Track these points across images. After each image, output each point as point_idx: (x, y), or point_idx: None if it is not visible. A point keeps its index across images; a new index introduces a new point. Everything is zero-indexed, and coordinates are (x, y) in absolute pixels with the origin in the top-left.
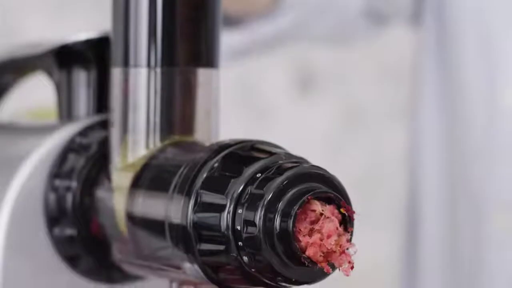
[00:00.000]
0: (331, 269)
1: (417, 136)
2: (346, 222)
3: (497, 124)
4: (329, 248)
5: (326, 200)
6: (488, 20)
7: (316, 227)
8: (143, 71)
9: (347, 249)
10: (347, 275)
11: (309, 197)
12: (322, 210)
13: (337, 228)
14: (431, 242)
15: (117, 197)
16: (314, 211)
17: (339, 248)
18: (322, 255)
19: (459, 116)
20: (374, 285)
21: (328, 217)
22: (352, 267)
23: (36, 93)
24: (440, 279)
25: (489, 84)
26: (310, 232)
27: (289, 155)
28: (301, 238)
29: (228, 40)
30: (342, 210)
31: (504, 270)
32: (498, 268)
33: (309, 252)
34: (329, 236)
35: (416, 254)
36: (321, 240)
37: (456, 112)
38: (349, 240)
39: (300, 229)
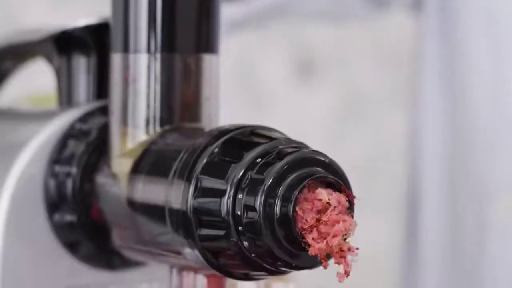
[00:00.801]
0: (328, 264)
1: (418, 123)
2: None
3: (501, 110)
4: (334, 244)
5: (326, 185)
6: (492, 5)
7: (324, 218)
8: (143, 57)
9: (348, 251)
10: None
11: (309, 182)
12: (329, 199)
13: (344, 221)
14: (432, 229)
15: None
16: (320, 200)
17: (340, 249)
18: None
19: (461, 103)
20: (374, 270)
21: (334, 208)
22: (347, 274)
23: (36, 79)
24: (441, 266)
25: (493, 69)
26: (317, 224)
27: (289, 140)
28: (306, 229)
29: (224, 12)
30: (342, 195)
31: (506, 256)
32: (500, 253)
33: (313, 251)
34: (335, 236)
35: (417, 241)
36: (327, 236)
37: (458, 99)
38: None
39: (306, 220)
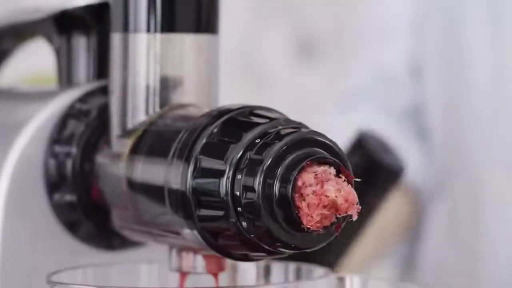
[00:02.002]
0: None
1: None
2: None
3: (496, 86)
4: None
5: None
6: None
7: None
8: (142, 37)
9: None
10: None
11: (308, 162)
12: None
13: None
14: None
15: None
16: (328, 197)
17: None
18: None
19: (458, 80)
20: None
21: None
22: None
23: (36, 59)
24: (441, 240)
25: (492, 45)
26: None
27: (288, 121)
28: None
29: None
30: (341, 175)
31: (503, 231)
32: (497, 228)
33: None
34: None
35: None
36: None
37: (454, 77)
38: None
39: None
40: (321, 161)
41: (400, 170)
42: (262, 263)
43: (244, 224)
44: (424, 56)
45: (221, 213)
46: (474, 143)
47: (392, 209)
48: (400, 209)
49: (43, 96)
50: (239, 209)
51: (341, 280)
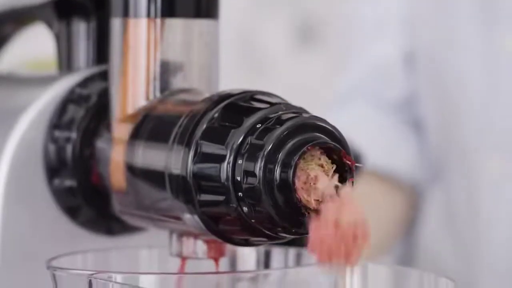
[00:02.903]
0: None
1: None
2: (346, 172)
3: (492, 72)
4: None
5: (326, 150)
6: None
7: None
8: (143, 22)
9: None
10: None
11: (309, 147)
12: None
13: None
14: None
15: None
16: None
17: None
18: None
19: (451, 67)
20: None
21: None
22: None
23: (36, 44)
24: (437, 229)
25: (483, 34)
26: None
27: (289, 106)
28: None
29: None
30: (343, 160)
31: (500, 217)
32: (495, 215)
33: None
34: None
35: None
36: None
37: (448, 63)
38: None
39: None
40: (322, 146)
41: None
42: (262, 248)
43: (245, 209)
44: (417, 48)
45: (221, 198)
46: (468, 132)
47: (387, 203)
48: (395, 203)
49: (43, 81)
50: (240, 194)
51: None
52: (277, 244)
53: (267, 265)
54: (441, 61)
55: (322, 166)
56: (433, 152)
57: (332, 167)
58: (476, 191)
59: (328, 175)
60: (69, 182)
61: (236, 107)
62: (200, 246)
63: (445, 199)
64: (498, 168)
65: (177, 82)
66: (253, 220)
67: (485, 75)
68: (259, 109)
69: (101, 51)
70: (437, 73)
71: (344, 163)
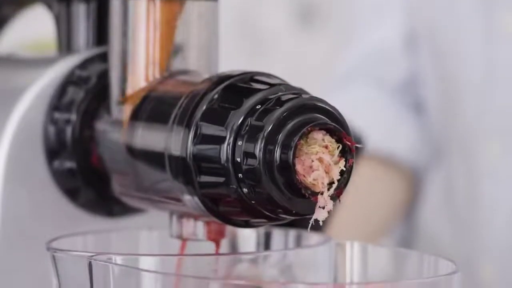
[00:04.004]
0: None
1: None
2: (347, 153)
3: (491, 54)
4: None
5: (327, 132)
6: None
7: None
8: (142, 2)
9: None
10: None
11: (309, 128)
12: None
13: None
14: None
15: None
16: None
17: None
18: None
19: (450, 49)
20: None
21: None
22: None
23: (36, 26)
24: (436, 212)
25: (487, 11)
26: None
27: (289, 87)
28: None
29: None
30: (343, 141)
31: (500, 199)
32: (494, 196)
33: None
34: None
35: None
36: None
37: (447, 45)
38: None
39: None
40: (322, 127)
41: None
42: (262, 229)
43: (245, 190)
44: (417, 29)
45: (221, 179)
46: (468, 114)
47: (387, 186)
48: (396, 185)
49: (42, 62)
50: (240, 175)
51: (341, 246)
52: (277, 225)
53: (267, 246)
54: (442, 42)
55: (326, 147)
56: (433, 134)
57: (338, 147)
58: (476, 173)
59: (333, 155)
60: (69, 164)
61: (236, 88)
62: (200, 228)
63: (445, 182)
64: (498, 150)
65: (177, 63)
66: (253, 202)
67: (485, 55)
68: (259, 90)
69: (101, 32)
70: (437, 54)
71: (344, 144)
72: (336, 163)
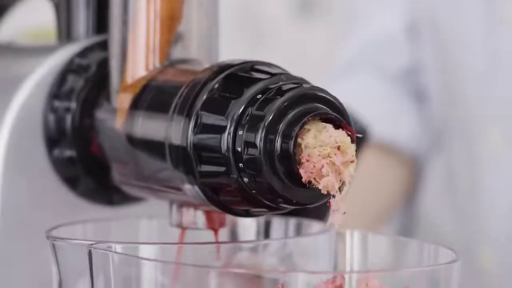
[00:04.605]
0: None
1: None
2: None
3: (493, 40)
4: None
5: (327, 121)
6: None
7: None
8: None
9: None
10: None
11: (309, 118)
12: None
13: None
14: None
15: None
16: None
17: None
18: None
19: (452, 36)
20: None
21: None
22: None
23: (35, 14)
24: (437, 199)
25: (485, 3)
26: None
27: (289, 76)
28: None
29: None
30: (344, 131)
31: (501, 186)
32: (495, 183)
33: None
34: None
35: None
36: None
37: (448, 32)
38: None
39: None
40: (323, 117)
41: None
42: (262, 218)
43: (246, 180)
44: (419, 17)
45: (222, 169)
46: (469, 101)
47: (388, 174)
48: (396, 173)
49: (42, 51)
50: (240, 165)
51: (341, 235)
52: (277, 214)
53: (267, 235)
54: (444, 30)
55: (338, 148)
56: (434, 122)
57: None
58: (477, 161)
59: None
60: (68, 152)
61: (237, 78)
62: (200, 217)
63: (446, 169)
64: (499, 138)
65: (177, 52)
66: (253, 191)
67: (487, 44)
68: (260, 79)
69: (101, 20)
70: (439, 43)
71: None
72: (347, 165)
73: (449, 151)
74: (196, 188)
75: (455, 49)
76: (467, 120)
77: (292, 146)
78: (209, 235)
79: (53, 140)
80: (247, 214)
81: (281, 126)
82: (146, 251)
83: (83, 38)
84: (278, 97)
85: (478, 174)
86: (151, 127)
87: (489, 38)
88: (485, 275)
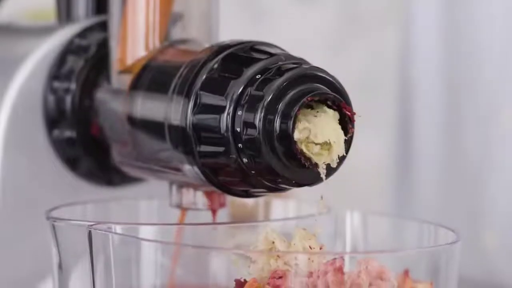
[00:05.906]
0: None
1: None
2: (347, 123)
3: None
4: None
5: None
6: None
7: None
8: None
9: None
10: None
11: (308, 98)
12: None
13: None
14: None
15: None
16: None
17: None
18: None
19: (458, 17)
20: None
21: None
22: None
23: None
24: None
25: None
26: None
27: (289, 56)
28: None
29: None
30: (343, 111)
31: (508, 166)
32: (504, 163)
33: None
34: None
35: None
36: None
37: (454, 12)
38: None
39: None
40: (322, 97)
41: None
42: (262, 199)
43: (245, 160)
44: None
45: (221, 149)
46: (482, 83)
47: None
48: None
49: (42, 31)
50: (239, 145)
51: (341, 215)
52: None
53: (267, 215)
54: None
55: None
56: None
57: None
58: (487, 143)
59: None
60: (68, 133)
61: (236, 58)
62: (200, 197)
63: (456, 149)
64: (509, 120)
65: (177, 32)
66: (253, 172)
67: (504, 24)
68: (259, 59)
69: (101, 1)
70: (453, 23)
71: (344, 113)
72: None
73: (461, 132)
74: (196, 168)
75: (469, 30)
76: (479, 103)
77: (291, 126)
78: (208, 216)
79: (53, 120)
80: (246, 194)
81: (280, 106)
82: (146, 231)
83: (82, 18)
84: (277, 77)
85: (486, 154)
86: (150, 107)
87: (506, 19)
88: (486, 253)
